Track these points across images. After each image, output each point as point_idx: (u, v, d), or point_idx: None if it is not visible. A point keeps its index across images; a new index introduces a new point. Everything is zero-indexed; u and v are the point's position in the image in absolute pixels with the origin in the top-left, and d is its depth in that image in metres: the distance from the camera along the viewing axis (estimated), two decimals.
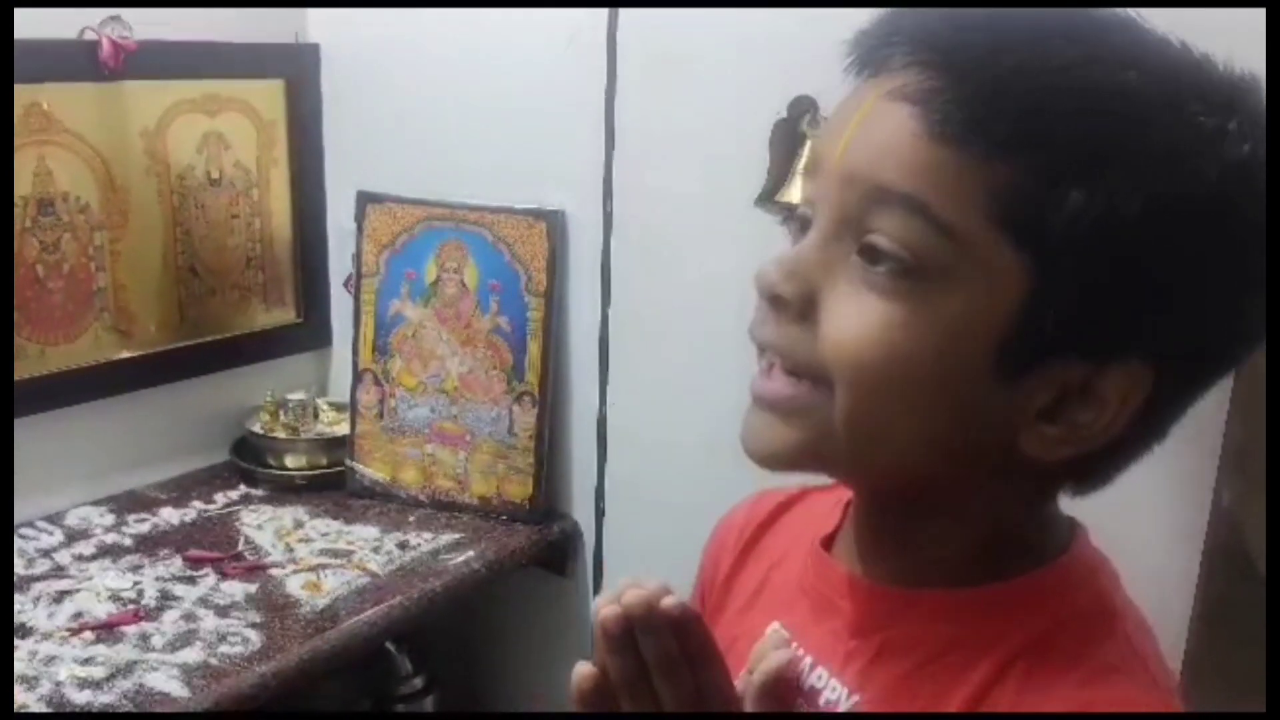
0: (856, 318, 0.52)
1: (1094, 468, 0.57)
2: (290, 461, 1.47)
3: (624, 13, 1.23)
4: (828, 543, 0.65)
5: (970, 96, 0.49)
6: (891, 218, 0.51)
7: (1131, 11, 0.54)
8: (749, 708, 0.59)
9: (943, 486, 0.56)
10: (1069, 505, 0.61)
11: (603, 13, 1.24)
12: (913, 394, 0.52)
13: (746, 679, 0.60)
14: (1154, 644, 0.59)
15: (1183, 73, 0.52)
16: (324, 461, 1.47)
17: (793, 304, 0.54)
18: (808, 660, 0.62)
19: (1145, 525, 0.96)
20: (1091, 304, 0.50)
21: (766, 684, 0.59)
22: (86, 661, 1.06)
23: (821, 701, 0.60)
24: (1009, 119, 0.49)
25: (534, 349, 1.37)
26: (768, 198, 1.14)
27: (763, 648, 0.61)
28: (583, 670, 0.58)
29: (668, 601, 0.54)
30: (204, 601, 1.17)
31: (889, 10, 0.55)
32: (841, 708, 0.59)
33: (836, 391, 0.53)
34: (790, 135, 1.12)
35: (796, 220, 0.58)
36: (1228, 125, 0.50)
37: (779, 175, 1.13)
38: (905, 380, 0.52)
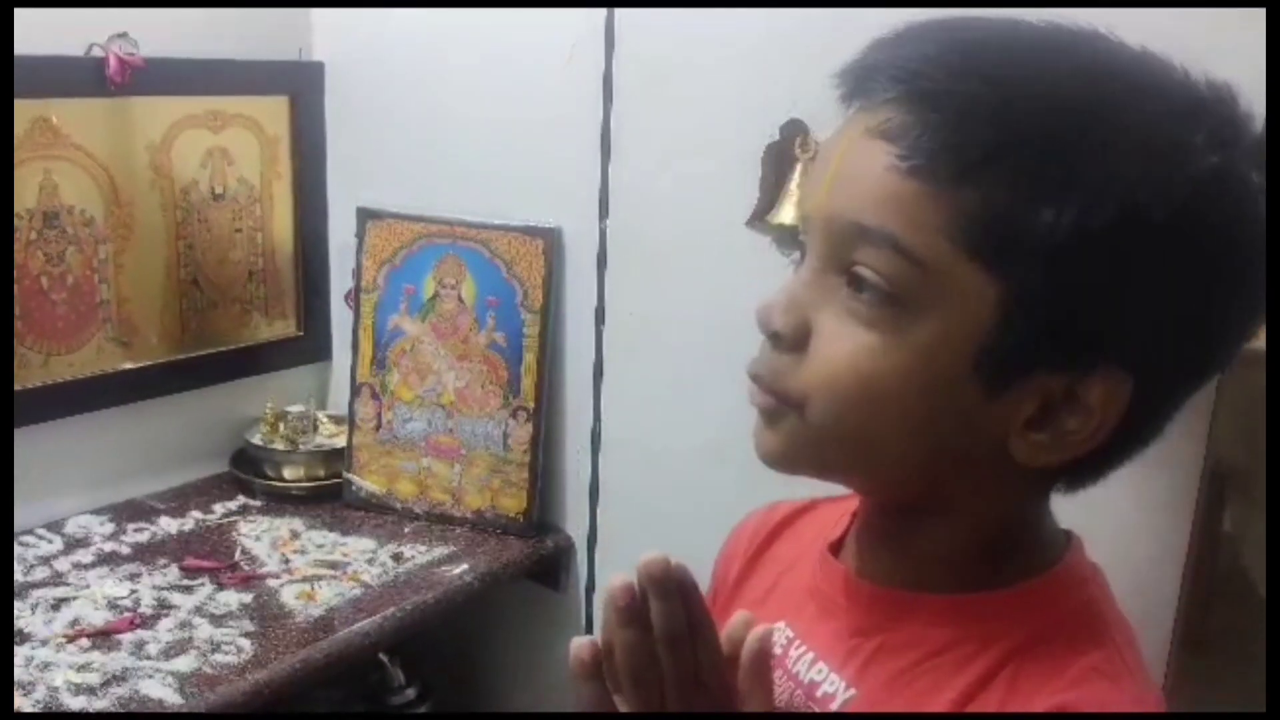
0: (839, 347, 0.55)
1: (1085, 467, 0.58)
2: (288, 473, 1.48)
3: (620, 32, 1.25)
4: (835, 548, 0.68)
5: (938, 126, 0.51)
6: (869, 251, 0.54)
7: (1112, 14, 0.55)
8: (741, 686, 0.60)
9: (939, 491, 0.59)
10: (1059, 510, 0.62)
11: (600, 31, 1.26)
12: (890, 415, 0.55)
13: None
14: (1140, 658, 0.60)
15: (1147, 87, 0.53)
16: (322, 473, 1.49)
17: (787, 338, 0.57)
18: (809, 656, 0.64)
19: (1127, 545, 0.97)
20: (1062, 317, 0.52)
21: (756, 658, 0.60)
22: (82, 668, 1.07)
23: (819, 694, 0.62)
24: (975, 144, 0.51)
25: (530, 364, 1.39)
26: (759, 218, 1.16)
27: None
28: (581, 641, 0.59)
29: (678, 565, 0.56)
30: (200, 610, 1.18)
31: (871, 42, 0.57)
32: (838, 701, 0.61)
33: (813, 411, 0.56)
34: (781, 158, 1.13)
35: (799, 247, 0.61)
36: (1194, 138, 0.51)
37: (770, 197, 1.15)
38: (883, 403, 0.55)
